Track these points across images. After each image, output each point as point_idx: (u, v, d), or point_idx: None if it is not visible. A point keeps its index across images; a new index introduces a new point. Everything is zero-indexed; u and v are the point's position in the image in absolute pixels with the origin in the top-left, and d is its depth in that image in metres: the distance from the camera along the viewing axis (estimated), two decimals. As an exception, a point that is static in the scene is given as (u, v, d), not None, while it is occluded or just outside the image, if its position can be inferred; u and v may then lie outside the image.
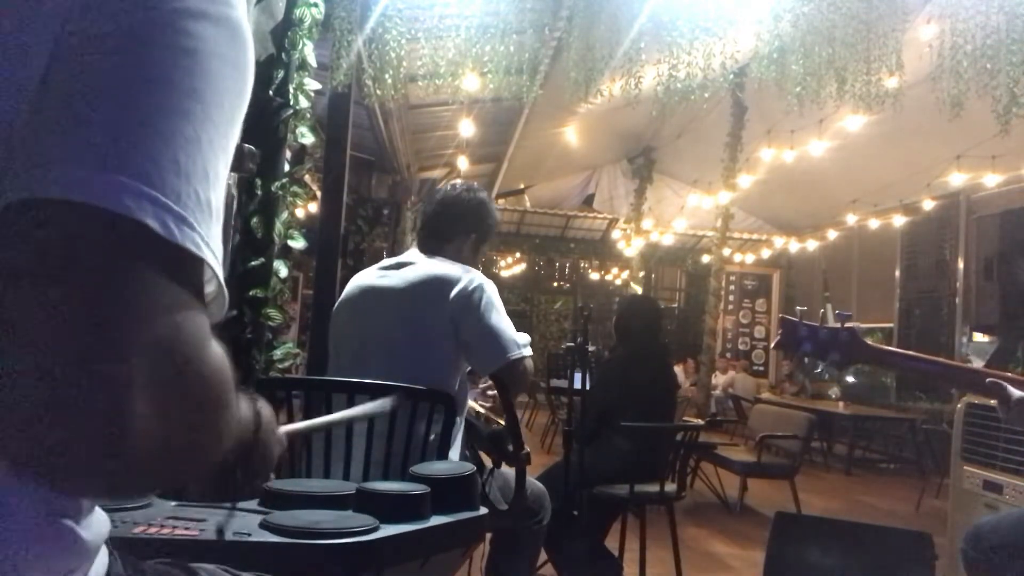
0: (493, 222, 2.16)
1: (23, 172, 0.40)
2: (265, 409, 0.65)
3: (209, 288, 0.46)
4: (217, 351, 0.45)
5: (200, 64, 0.44)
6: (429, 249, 2.03)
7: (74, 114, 0.41)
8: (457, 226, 2.07)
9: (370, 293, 1.95)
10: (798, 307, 1.82)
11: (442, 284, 1.86)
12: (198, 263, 0.43)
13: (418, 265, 1.96)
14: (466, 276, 1.88)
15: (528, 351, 1.89)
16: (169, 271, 0.41)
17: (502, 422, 2.04)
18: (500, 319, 1.86)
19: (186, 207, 0.42)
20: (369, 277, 2.01)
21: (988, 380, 1.64)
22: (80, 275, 0.39)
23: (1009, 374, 1.69)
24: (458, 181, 2.18)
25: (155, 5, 0.43)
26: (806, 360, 1.74)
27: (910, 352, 1.82)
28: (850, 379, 10.17)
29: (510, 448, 1.87)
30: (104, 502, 0.54)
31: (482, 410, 2.15)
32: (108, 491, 0.43)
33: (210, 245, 0.44)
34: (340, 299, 2.04)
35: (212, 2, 0.45)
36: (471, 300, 1.84)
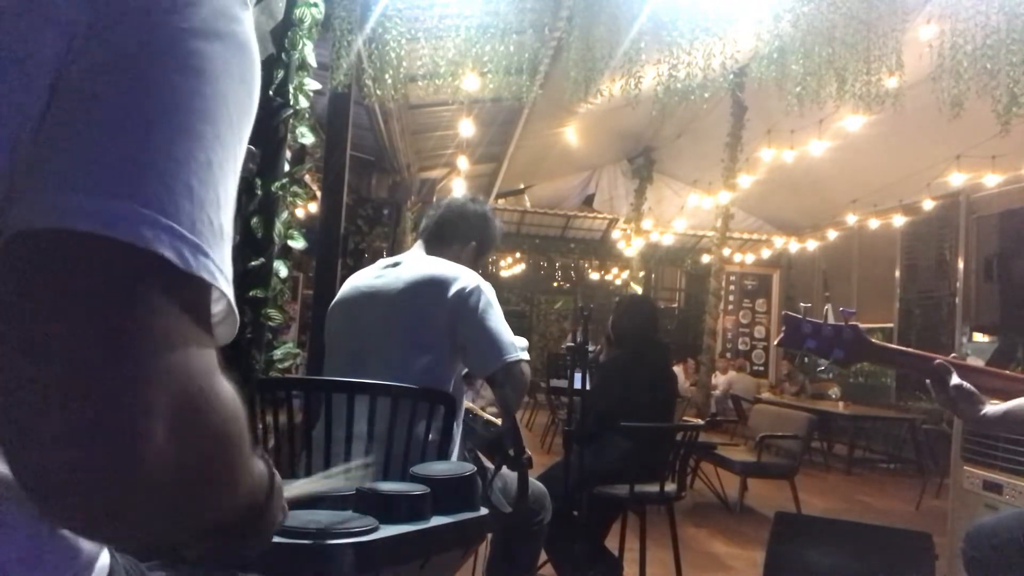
0: (495, 234, 2.18)
1: (33, 199, 0.39)
2: (276, 472, 0.64)
3: (218, 308, 0.46)
4: (227, 386, 0.44)
5: (210, 84, 0.43)
6: (429, 251, 2.03)
7: (85, 140, 0.40)
8: (459, 232, 2.08)
9: (366, 293, 1.95)
10: (801, 303, 1.80)
11: (439, 284, 1.85)
12: (209, 289, 0.43)
13: (415, 264, 1.95)
14: (464, 277, 1.87)
15: (525, 355, 1.88)
16: (183, 302, 0.41)
17: (499, 422, 2.04)
18: (498, 322, 1.85)
19: (200, 235, 0.41)
20: (365, 277, 2.01)
21: (936, 362, 1.63)
22: (95, 307, 0.38)
23: (976, 364, 1.68)
24: (467, 192, 2.21)
25: (162, 25, 0.42)
26: (807, 360, 1.73)
27: (912, 350, 1.81)
28: (851, 379, 10.18)
29: (511, 452, 1.87)
30: (113, 544, 0.52)
31: (482, 412, 2.15)
32: (117, 528, 0.42)
33: (223, 271, 0.43)
34: (335, 299, 2.03)
35: (219, 20, 0.45)
36: (469, 301, 1.83)
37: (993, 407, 1.59)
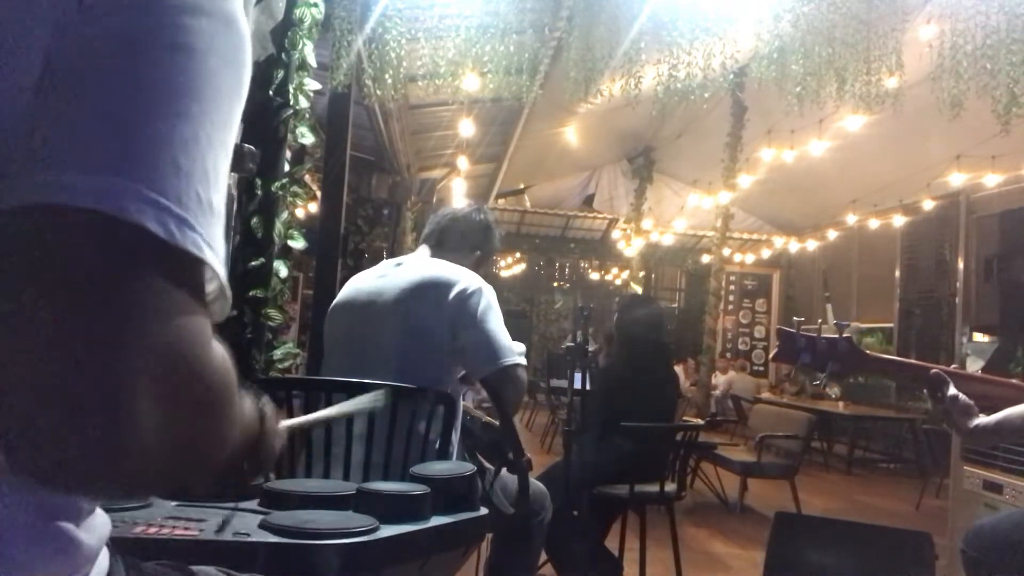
0: (496, 245, 2.22)
1: (21, 176, 0.39)
2: (268, 405, 0.65)
3: (210, 287, 0.46)
4: (218, 353, 0.45)
5: (197, 61, 0.43)
6: (434, 255, 2.04)
7: (71, 116, 0.40)
8: (464, 241, 2.09)
9: (369, 293, 1.95)
10: (795, 317, 1.81)
11: (442, 285, 1.86)
12: (199, 264, 0.43)
13: (418, 265, 1.96)
14: (466, 279, 1.87)
15: (522, 360, 1.88)
16: (170, 274, 0.41)
17: (498, 424, 2.04)
18: (497, 325, 1.85)
19: (187, 208, 0.42)
20: (367, 278, 2.01)
21: (932, 372, 1.61)
22: (81, 280, 0.38)
23: (974, 373, 1.67)
24: (471, 201, 2.24)
25: (151, 2, 0.43)
26: (803, 373, 1.72)
27: (908, 360, 1.81)
28: (851, 379, 10.17)
29: (510, 456, 1.86)
30: (106, 503, 0.54)
31: (480, 414, 2.15)
32: (110, 493, 0.43)
33: (212, 246, 0.43)
34: (337, 299, 2.04)
35: None
36: (470, 303, 1.83)
37: (986, 419, 1.58)
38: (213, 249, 0.44)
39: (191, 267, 0.43)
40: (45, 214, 0.38)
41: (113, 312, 0.39)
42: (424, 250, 2.09)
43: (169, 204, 0.41)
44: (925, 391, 1.63)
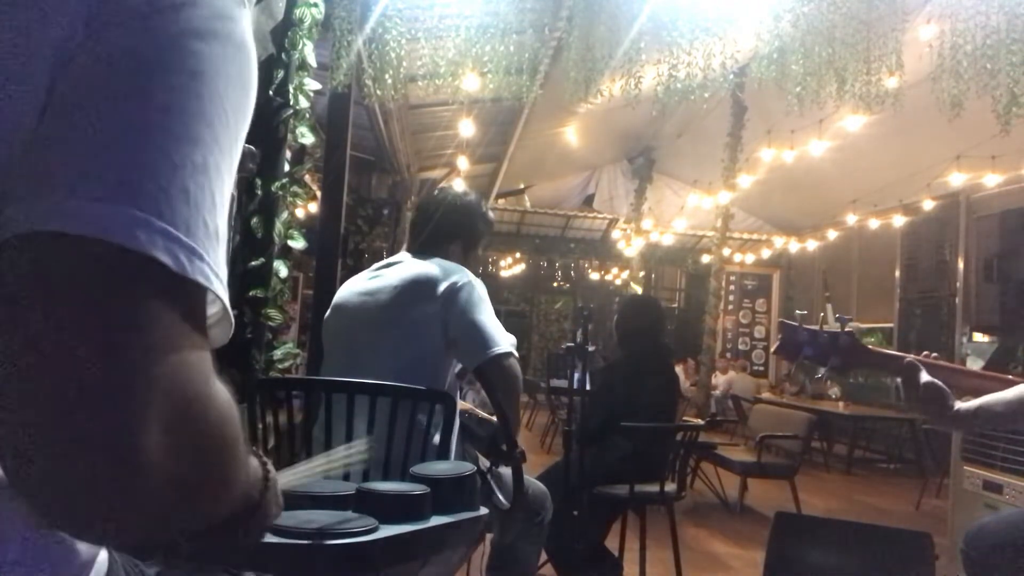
0: (482, 227, 2.14)
1: (28, 203, 0.39)
2: (272, 469, 0.63)
3: (213, 310, 0.45)
4: (222, 389, 0.44)
5: (207, 86, 0.43)
6: (418, 254, 2.04)
7: (81, 142, 0.40)
8: (441, 233, 2.06)
9: (360, 295, 1.97)
10: (797, 311, 1.80)
11: (431, 282, 1.87)
12: (204, 293, 0.43)
13: (407, 265, 1.97)
14: (454, 274, 1.88)
15: (513, 350, 1.88)
16: (178, 306, 0.41)
17: (494, 419, 2.04)
18: (487, 316, 1.86)
19: (195, 238, 0.41)
20: (360, 280, 2.02)
21: (905, 360, 1.59)
22: (90, 310, 0.38)
23: (946, 363, 1.65)
24: (449, 185, 2.18)
25: (161, 26, 0.42)
26: (806, 361, 1.71)
27: (902, 354, 1.80)
28: (851, 379, 10.16)
29: (503, 448, 1.87)
30: (104, 543, 0.52)
31: (477, 411, 2.15)
32: (108, 530, 0.41)
33: (218, 275, 0.43)
34: (332, 303, 2.05)
35: (217, 20, 0.44)
36: (458, 297, 1.84)
37: (965, 404, 1.57)
38: (219, 278, 0.43)
39: (197, 297, 0.42)
40: (53, 242, 0.38)
41: (121, 344, 0.38)
42: (408, 248, 2.09)
43: (179, 235, 0.40)
44: (898, 380, 1.61)
